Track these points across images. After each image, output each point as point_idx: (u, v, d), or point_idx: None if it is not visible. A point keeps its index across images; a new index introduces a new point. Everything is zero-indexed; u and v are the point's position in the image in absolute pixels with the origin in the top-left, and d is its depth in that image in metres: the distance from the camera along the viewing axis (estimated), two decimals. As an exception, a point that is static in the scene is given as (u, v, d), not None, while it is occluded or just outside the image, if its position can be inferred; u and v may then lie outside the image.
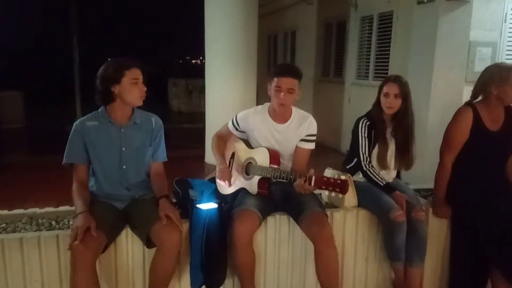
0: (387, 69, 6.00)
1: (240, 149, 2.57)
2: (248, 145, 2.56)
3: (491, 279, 2.55)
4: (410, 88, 2.61)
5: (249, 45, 5.93)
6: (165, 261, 2.10)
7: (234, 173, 2.52)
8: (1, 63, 14.67)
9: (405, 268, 2.50)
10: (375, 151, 2.63)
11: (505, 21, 4.95)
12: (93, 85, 2.23)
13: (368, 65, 6.56)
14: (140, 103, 2.25)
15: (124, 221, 2.25)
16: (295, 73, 2.35)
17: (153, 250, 2.17)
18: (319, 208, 2.34)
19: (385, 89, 2.58)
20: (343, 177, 2.00)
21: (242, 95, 5.86)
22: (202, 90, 6.97)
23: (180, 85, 13.19)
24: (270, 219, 2.45)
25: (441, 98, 4.82)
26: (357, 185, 2.63)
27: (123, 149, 2.27)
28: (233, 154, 2.62)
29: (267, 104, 2.53)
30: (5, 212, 2.46)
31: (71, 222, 2.35)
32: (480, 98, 2.55)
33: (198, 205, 2.33)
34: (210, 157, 6.17)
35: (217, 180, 2.61)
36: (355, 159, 2.67)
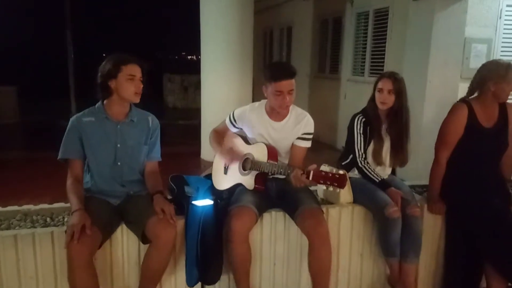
0: (383, 66, 6.00)
1: (238, 144, 2.57)
2: (246, 140, 2.55)
3: (485, 275, 2.57)
4: (405, 84, 2.61)
5: (245, 41, 5.91)
6: (159, 256, 2.10)
7: (232, 167, 2.52)
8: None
9: (400, 264, 2.51)
10: (371, 147, 2.64)
11: (500, 18, 4.96)
12: (88, 80, 2.22)
13: (364, 62, 6.56)
14: (136, 100, 2.25)
15: (119, 218, 2.24)
16: (292, 74, 2.33)
17: (148, 246, 2.16)
18: (315, 204, 2.35)
19: (379, 85, 2.59)
20: (341, 172, 2.00)
21: (237, 91, 5.85)
22: (197, 86, 6.96)
23: (176, 81, 13.14)
24: (266, 216, 2.45)
25: (436, 94, 4.83)
26: (352, 181, 2.63)
27: (118, 145, 2.27)
28: (231, 149, 2.61)
29: (263, 101, 2.52)
30: (-1, 208, 2.45)
31: (66, 219, 2.34)
32: (475, 94, 2.56)
33: (193, 202, 2.32)
34: (206, 153, 6.19)
35: (213, 175, 2.61)
36: (351, 156, 2.67)
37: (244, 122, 2.52)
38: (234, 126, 2.58)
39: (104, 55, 2.27)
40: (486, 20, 4.92)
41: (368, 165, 2.60)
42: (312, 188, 2.83)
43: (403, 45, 5.37)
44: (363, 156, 2.61)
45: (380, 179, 2.56)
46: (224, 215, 2.30)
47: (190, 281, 2.24)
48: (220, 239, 2.27)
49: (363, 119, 2.62)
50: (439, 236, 2.74)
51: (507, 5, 4.95)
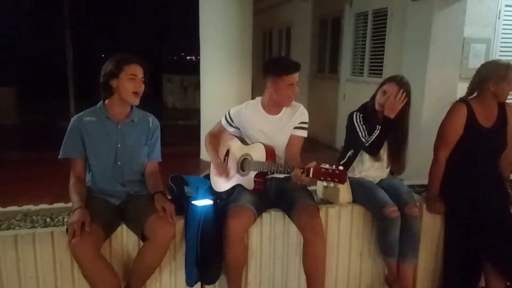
0: (382, 66, 6.01)
1: (235, 146, 2.57)
2: (243, 141, 2.56)
3: (484, 274, 2.58)
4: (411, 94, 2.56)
5: (244, 42, 5.92)
6: (153, 252, 2.10)
7: (230, 169, 2.52)
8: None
9: (398, 264, 2.52)
10: None
11: (499, 18, 4.97)
12: (87, 81, 2.23)
13: (363, 62, 6.57)
14: (135, 102, 2.26)
15: (119, 217, 2.25)
16: (299, 66, 2.43)
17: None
18: (310, 200, 2.36)
19: (385, 87, 2.55)
20: (340, 168, 2.00)
21: (237, 91, 5.85)
22: (197, 86, 6.96)
23: (175, 81, 13.15)
24: (266, 216, 2.46)
25: (435, 94, 4.84)
26: (351, 181, 2.64)
27: (119, 145, 2.28)
28: (227, 152, 2.62)
29: (259, 98, 2.56)
30: (-1, 209, 2.46)
31: (66, 219, 2.34)
32: (475, 94, 2.57)
33: (193, 202, 2.33)
34: (205, 153, 6.16)
35: (212, 177, 2.61)
36: (348, 154, 2.68)
37: (241, 119, 2.54)
38: (230, 125, 2.59)
39: (103, 55, 2.27)
40: (485, 20, 4.93)
41: (370, 137, 2.53)
42: (312, 188, 2.85)
43: (402, 45, 5.38)
44: (369, 140, 2.53)
45: (379, 127, 2.50)
46: (224, 215, 2.30)
47: (190, 281, 2.24)
48: (219, 239, 2.28)
49: (361, 115, 2.63)
50: (438, 235, 2.74)
51: (506, 5, 4.97)
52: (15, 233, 2.12)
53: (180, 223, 2.29)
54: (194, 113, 8.50)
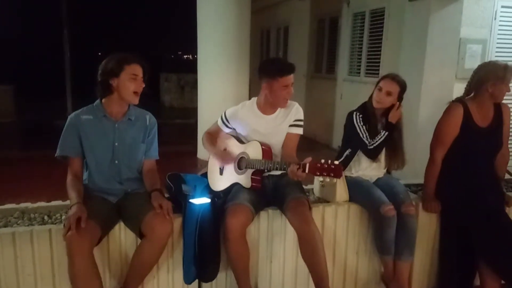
0: (379, 66, 6.04)
1: (232, 145, 2.59)
2: (240, 140, 2.57)
3: (479, 272, 2.60)
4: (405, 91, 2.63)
5: (242, 40, 5.92)
6: (151, 249, 2.11)
7: (227, 168, 2.54)
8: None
9: (394, 262, 2.55)
10: None
11: (495, 19, 5.00)
12: (84, 79, 2.23)
13: (360, 62, 6.59)
14: (135, 101, 2.26)
15: (117, 215, 2.26)
16: (294, 68, 2.44)
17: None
18: (300, 194, 2.38)
19: (380, 84, 2.61)
20: (336, 162, 2.02)
21: (234, 90, 5.86)
22: (194, 85, 6.97)
23: (172, 80, 13.15)
24: (263, 214, 2.47)
25: (432, 94, 4.86)
26: (348, 180, 2.66)
27: (116, 144, 2.28)
28: (224, 151, 2.63)
29: (254, 98, 2.58)
30: (-4, 206, 2.46)
31: (63, 217, 2.35)
32: (472, 94, 2.59)
33: (191, 200, 2.34)
34: (203, 152, 6.19)
35: (209, 177, 2.62)
36: (346, 153, 2.70)
37: (237, 120, 2.55)
38: (226, 126, 2.61)
39: (99, 54, 2.28)
40: (481, 20, 4.96)
41: (371, 139, 2.59)
42: (309, 186, 2.87)
43: (399, 45, 5.40)
44: (371, 142, 2.58)
45: (385, 132, 2.57)
46: (221, 213, 2.32)
47: (188, 279, 2.26)
48: (217, 237, 2.29)
49: (360, 115, 2.65)
50: (434, 234, 2.76)
51: (502, 6, 5.00)
52: (13, 230, 2.13)
53: (178, 221, 2.30)
54: (191, 112, 8.51)
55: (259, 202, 2.40)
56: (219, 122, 2.63)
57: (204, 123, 5.63)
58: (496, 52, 5.07)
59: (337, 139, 6.87)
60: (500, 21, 5.02)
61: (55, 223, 2.29)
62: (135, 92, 2.22)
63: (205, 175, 2.69)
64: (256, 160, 2.37)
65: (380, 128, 2.65)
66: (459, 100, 2.59)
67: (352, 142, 2.67)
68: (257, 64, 2.62)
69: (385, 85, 2.59)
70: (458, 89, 2.71)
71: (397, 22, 5.55)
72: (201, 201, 2.34)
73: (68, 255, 1.95)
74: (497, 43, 5.07)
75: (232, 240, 2.23)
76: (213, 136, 2.67)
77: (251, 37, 6.27)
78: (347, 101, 6.80)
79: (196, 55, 6.27)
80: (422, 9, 4.93)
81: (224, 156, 2.51)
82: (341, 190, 2.62)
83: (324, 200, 2.72)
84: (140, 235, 2.17)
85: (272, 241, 2.53)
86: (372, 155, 2.63)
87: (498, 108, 2.59)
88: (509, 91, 2.50)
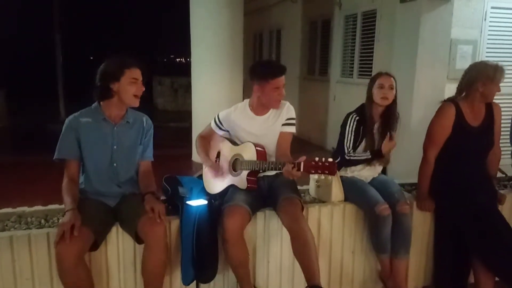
0: (371, 67, 6.09)
1: (226, 147, 2.61)
2: (234, 143, 2.59)
3: (473, 270, 2.63)
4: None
5: (235, 43, 5.95)
6: (153, 256, 2.12)
7: (222, 170, 2.55)
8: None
9: (390, 260, 2.58)
10: (362, 146, 2.69)
11: (485, 20, 5.08)
12: (77, 83, 2.24)
13: (353, 63, 6.64)
14: (136, 104, 2.27)
15: (114, 218, 2.27)
16: (285, 69, 2.47)
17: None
18: (292, 193, 2.40)
19: (379, 81, 2.63)
20: (330, 159, 2.04)
21: (228, 93, 5.88)
22: (187, 88, 6.99)
23: (165, 84, 13.17)
24: (260, 215, 2.49)
25: (424, 95, 4.92)
26: (343, 180, 2.69)
27: (115, 147, 2.29)
28: (218, 153, 2.65)
29: (246, 100, 2.61)
30: (-7, 211, 2.46)
31: (60, 221, 2.35)
32: (463, 94, 2.63)
33: (188, 202, 2.35)
34: (197, 155, 6.19)
35: (204, 180, 2.63)
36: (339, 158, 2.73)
37: (230, 122, 2.57)
38: (220, 128, 2.63)
39: (91, 58, 2.28)
40: (472, 21, 5.03)
41: (354, 153, 2.65)
42: (305, 187, 2.89)
43: (391, 46, 5.45)
44: (351, 152, 2.66)
45: (369, 154, 2.63)
46: (218, 215, 2.33)
47: (186, 280, 2.27)
48: (215, 238, 2.31)
49: (357, 118, 2.68)
50: (428, 232, 2.80)
51: (492, 7, 5.07)
52: (11, 234, 2.13)
53: (175, 223, 2.31)
54: (185, 115, 8.52)
55: (255, 203, 2.42)
56: (213, 125, 2.65)
57: (198, 126, 5.63)
58: (487, 52, 5.14)
59: (330, 141, 6.91)
60: (490, 22, 5.10)
61: (52, 227, 2.29)
62: (135, 95, 2.24)
63: (201, 177, 2.70)
64: (251, 161, 2.39)
65: (376, 132, 2.68)
66: (451, 100, 2.63)
67: (340, 146, 2.70)
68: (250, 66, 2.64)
69: (386, 81, 2.62)
70: (450, 89, 2.75)
71: (388, 24, 5.61)
72: (198, 202, 2.36)
73: (56, 261, 1.96)
74: (487, 43, 5.14)
75: (231, 241, 2.24)
76: (206, 139, 2.68)
77: (244, 40, 6.29)
78: (340, 102, 6.85)
79: (189, 58, 6.29)
80: (413, 11, 4.99)
81: (215, 168, 2.54)
82: (336, 190, 2.65)
83: (320, 200, 2.74)
84: (137, 238, 2.19)
85: (269, 241, 2.55)
86: (345, 164, 2.68)
87: (490, 108, 2.63)
88: (499, 91, 2.54)
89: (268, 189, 2.53)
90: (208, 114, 2.69)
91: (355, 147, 2.68)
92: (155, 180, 2.44)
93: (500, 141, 2.76)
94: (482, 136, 2.60)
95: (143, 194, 2.29)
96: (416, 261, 2.81)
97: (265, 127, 2.52)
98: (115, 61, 2.23)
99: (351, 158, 2.65)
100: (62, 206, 2.18)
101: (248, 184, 2.41)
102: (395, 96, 2.66)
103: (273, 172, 2.51)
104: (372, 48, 6.09)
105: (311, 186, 2.85)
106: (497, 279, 2.56)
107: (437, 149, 2.63)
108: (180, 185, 2.59)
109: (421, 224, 2.77)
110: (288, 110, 2.55)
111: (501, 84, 2.55)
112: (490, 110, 2.63)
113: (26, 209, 2.50)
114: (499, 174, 2.94)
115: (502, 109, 2.70)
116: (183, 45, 6.38)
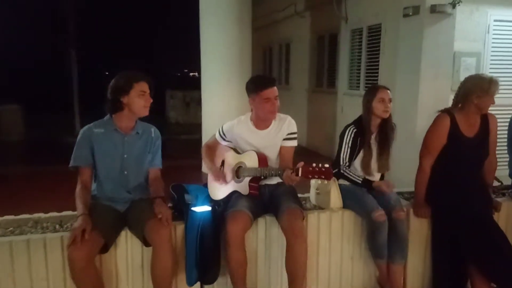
0: (377, 79, 6.19)
1: (229, 156, 2.75)
2: (237, 151, 2.73)
3: (469, 276, 2.69)
4: (398, 96, 2.81)
5: (243, 58, 6.12)
6: (159, 258, 2.25)
7: (226, 178, 2.69)
8: (0, 77, 14.88)
9: (388, 265, 2.67)
10: (359, 157, 2.80)
11: (488, 32, 5.19)
12: (91, 98, 2.42)
13: (359, 76, 6.76)
14: (146, 113, 2.45)
15: (123, 223, 2.42)
16: (274, 81, 2.61)
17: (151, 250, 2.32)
18: (295, 204, 2.51)
19: (380, 95, 2.74)
20: (326, 165, 2.18)
21: (237, 106, 5.98)
22: (199, 101, 7.14)
23: (177, 97, 13.41)
24: (261, 221, 2.62)
25: (428, 106, 4.98)
26: (342, 188, 2.80)
27: (125, 156, 2.46)
28: (222, 162, 2.80)
29: (248, 114, 2.74)
30: (12, 217, 2.62)
31: (72, 226, 2.50)
32: (459, 106, 2.72)
33: (193, 208, 2.50)
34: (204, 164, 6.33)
35: (209, 187, 2.77)
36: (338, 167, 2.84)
37: (233, 134, 2.72)
38: (224, 139, 2.78)
39: (107, 73, 2.46)
40: (475, 34, 5.14)
41: (349, 170, 2.78)
42: (306, 195, 3.00)
43: (395, 59, 5.57)
44: (347, 164, 2.79)
45: (361, 179, 2.74)
46: (222, 220, 2.47)
47: (190, 281, 2.40)
48: (217, 242, 2.44)
49: (355, 130, 2.80)
50: (425, 239, 2.88)
51: (495, 20, 5.18)
52: (27, 238, 2.29)
53: (180, 227, 2.45)
54: (196, 128, 8.66)
55: (257, 209, 2.55)
56: (217, 136, 2.80)
57: (208, 138, 5.73)
58: (491, 64, 5.24)
59: (338, 152, 6.98)
60: (493, 34, 5.21)
61: (66, 231, 2.44)
62: (144, 107, 2.42)
63: (206, 185, 2.84)
64: (253, 168, 2.52)
65: (372, 143, 2.79)
66: (446, 110, 2.72)
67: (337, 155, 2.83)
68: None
69: (385, 95, 2.74)
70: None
71: (393, 37, 5.73)
72: (202, 209, 2.50)
73: (68, 263, 2.12)
74: (491, 56, 5.25)
75: (233, 245, 2.37)
76: (211, 148, 2.83)
77: (254, 54, 6.44)
78: (347, 114, 6.93)
79: (200, 72, 6.48)
80: (416, 25, 5.12)
81: (219, 174, 2.67)
82: (335, 197, 2.76)
83: (319, 207, 2.85)
84: (144, 242, 2.33)
85: (270, 246, 2.66)
86: (337, 176, 2.80)
87: (485, 119, 2.72)
88: (493, 103, 2.63)
89: (270, 197, 2.65)
90: (217, 126, 2.84)
91: (351, 159, 2.79)
92: (165, 189, 2.59)
93: (498, 151, 2.85)
94: (477, 147, 2.69)
95: (153, 198, 2.44)
96: (414, 267, 2.89)
97: (267, 141, 2.64)
98: (124, 76, 2.42)
99: (344, 173, 2.78)
100: (75, 212, 2.33)
101: (250, 190, 2.55)
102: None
103: (274, 181, 2.64)
104: (378, 61, 6.20)
105: (312, 194, 2.95)
106: (493, 285, 2.62)
107: (432, 157, 2.72)
108: (186, 192, 2.74)
109: (418, 231, 2.85)
110: (289, 125, 2.66)
111: (503, 96, 2.63)
112: (486, 121, 2.72)
113: (42, 215, 2.66)
114: (495, 183, 3.02)
115: (503, 119, 2.77)
116: (196, 60, 6.56)
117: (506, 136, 3.23)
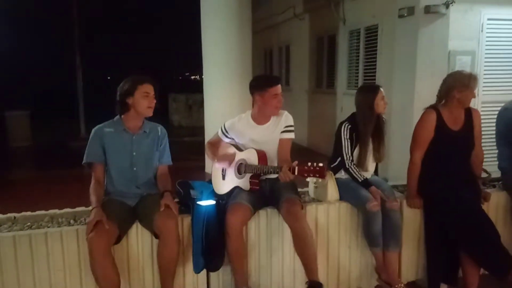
0: (375, 79, 6.34)
1: (231, 152, 2.91)
2: (238, 149, 2.90)
3: (460, 261, 2.83)
4: (395, 95, 2.98)
5: (244, 62, 6.26)
6: (166, 246, 2.43)
7: (228, 173, 2.86)
8: (8, 84, 15.12)
9: (383, 253, 2.82)
10: (356, 151, 2.96)
11: (482, 31, 5.32)
12: (96, 103, 2.60)
13: (358, 76, 6.92)
14: (150, 114, 2.64)
15: (134, 216, 2.60)
16: (280, 80, 2.86)
17: (160, 241, 2.49)
18: (293, 194, 2.69)
19: (381, 94, 2.96)
20: (320, 164, 2.35)
21: (238, 108, 6.07)
22: (201, 104, 7.30)
23: (180, 100, 13.58)
24: (262, 213, 2.78)
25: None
26: (338, 181, 2.97)
27: (134, 153, 2.64)
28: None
29: (249, 111, 2.92)
30: (28, 213, 2.79)
31: (87, 220, 2.67)
32: (443, 101, 2.89)
33: (198, 202, 2.66)
34: (210, 167, 6.46)
35: (213, 182, 2.93)
36: (338, 159, 3.00)
37: (234, 131, 2.90)
38: (226, 136, 2.95)
39: (108, 78, 2.65)
40: (469, 33, 5.27)
41: (354, 167, 2.93)
42: (305, 189, 3.17)
43: (392, 59, 5.71)
44: (351, 158, 2.94)
45: (362, 179, 2.89)
46: (225, 213, 2.63)
47: (197, 269, 2.58)
48: (221, 233, 2.60)
49: (349, 126, 2.96)
50: (418, 228, 3.03)
51: (488, 19, 5.31)
52: (45, 231, 2.47)
53: (187, 220, 2.62)
54: (199, 130, 8.83)
55: (257, 202, 2.72)
56: (219, 133, 2.98)
57: (211, 139, 5.93)
58: (485, 62, 5.37)
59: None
60: (487, 33, 5.34)
61: (81, 225, 2.61)
62: (149, 107, 2.59)
63: (210, 181, 3.01)
64: (253, 165, 2.69)
65: (369, 136, 2.95)
66: (432, 106, 2.90)
67: (337, 152, 2.98)
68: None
69: (383, 93, 2.98)
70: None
71: (389, 38, 5.88)
72: (207, 203, 2.67)
73: (89, 253, 2.30)
74: (485, 54, 5.37)
75: (232, 235, 2.55)
76: (214, 145, 3.01)
77: (255, 56, 6.57)
78: (347, 113, 6.90)
79: (202, 75, 6.64)
80: (411, 25, 5.26)
81: (225, 158, 2.83)
82: (332, 190, 2.93)
83: (317, 199, 3.01)
84: (155, 234, 2.50)
85: (271, 238, 2.82)
86: (343, 169, 2.96)
87: (469, 113, 2.88)
88: (474, 97, 2.81)
89: (270, 191, 2.82)
90: (219, 127, 3.01)
91: (352, 153, 2.95)
92: (172, 185, 2.76)
93: (484, 145, 3.01)
94: (462, 139, 2.84)
95: (161, 192, 2.62)
96: (409, 256, 3.04)
97: (266, 135, 2.82)
98: (130, 79, 2.62)
99: (350, 170, 2.92)
100: (89, 208, 2.51)
101: (251, 185, 2.72)
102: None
103: (274, 176, 2.81)
104: (375, 61, 6.36)
105: (310, 188, 3.12)
106: (483, 270, 2.77)
107: (421, 151, 2.88)
108: (191, 188, 2.90)
109: (411, 222, 3.01)
110: (287, 119, 2.85)
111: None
112: (470, 116, 2.88)
113: (57, 211, 2.84)
114: (483, 174, 3.16)
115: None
116: (197, 63, 6.73)
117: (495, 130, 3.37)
